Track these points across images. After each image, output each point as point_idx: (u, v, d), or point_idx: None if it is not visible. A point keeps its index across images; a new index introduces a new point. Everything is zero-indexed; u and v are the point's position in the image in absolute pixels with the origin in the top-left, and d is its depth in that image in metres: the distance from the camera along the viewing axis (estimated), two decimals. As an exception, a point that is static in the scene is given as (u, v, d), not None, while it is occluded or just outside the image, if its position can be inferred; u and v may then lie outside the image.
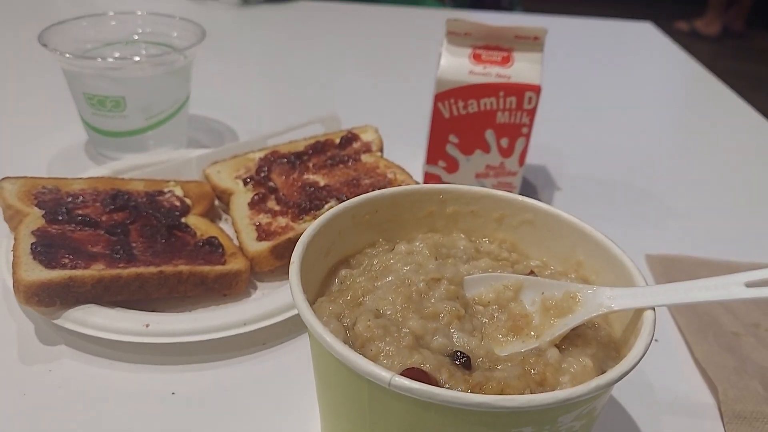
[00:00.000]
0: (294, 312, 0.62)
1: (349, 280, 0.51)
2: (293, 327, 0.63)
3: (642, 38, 1.64)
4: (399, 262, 0.51)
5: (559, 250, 0.54)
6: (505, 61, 0.79)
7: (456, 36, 0.80)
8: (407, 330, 0.45)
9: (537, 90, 0.77)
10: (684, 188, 0.97)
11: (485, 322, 0.48)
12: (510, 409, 0.36)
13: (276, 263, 0.68)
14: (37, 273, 0.58)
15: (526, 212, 0.55)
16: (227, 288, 0.65)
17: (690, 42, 4.84)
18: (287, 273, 0.68)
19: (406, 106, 1.12)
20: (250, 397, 0.56)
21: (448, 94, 0.79)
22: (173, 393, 0.56)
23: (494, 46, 0.80)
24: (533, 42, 0.80)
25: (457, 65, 0.79)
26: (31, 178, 0.71)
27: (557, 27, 1.64)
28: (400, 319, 0.46)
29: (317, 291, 0.51)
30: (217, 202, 0.79)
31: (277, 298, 0.63)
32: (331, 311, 0.46)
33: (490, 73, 0.78)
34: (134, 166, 0.80)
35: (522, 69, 0.78)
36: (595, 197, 0.91)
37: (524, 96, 0.78)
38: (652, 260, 0.77)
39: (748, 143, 1.14)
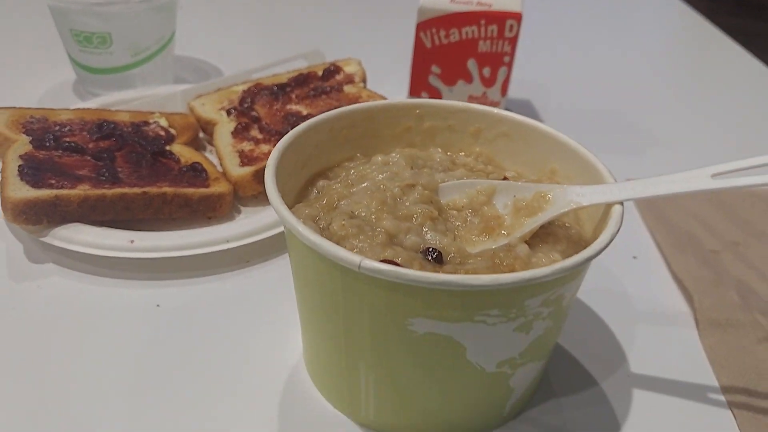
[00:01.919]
0: (277, 230, 0.64)
1: (326, 190, 0.52)
2: (276, 246, 0.64)
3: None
4: (375, 171, 0.52)
5: (534, 161, 0.55)
6: (487, -11, 0.79)
7: (438, -34, 0.81)
8: (381, 229, 0.46)
9: (518, 18, 0.78)
10: (668, 118, 0.98)
11: (458, 225, 0.49)
12: (475, 287, 0.38)
13: (259, 188, 0.69)
14: (24, 191, 0.59)
15: (502, 125, 0.56)
16: (211, 210, 0.67)
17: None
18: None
19: (389, 38, 1.13)
20: (234, 310, 0.58)
21: (429, 23, 0.79)
22: (158, 305, 0.58)
23: (476, -24, 0.80)
24: (515, -30, 0.80)
25: (439, -6, 0.79)
26: (20, 108, 0.72)
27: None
28: (374, 220, 0.47)
29: (294, 200, 0.52)
30: (201, 135, 0.80)
31: (260, 218, 0.64)
32: (307, 214, 0.47)
33: (472, 1, 0.79)
34: (121, 100, 0.81)
35: (503, -3, 0.79)
36: (578, 128, 0.90)
37: (505, 24, 0.78)
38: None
39: (733, 76, 1.15)
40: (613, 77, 1.11)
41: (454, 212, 0.50)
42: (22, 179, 0.61)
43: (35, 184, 0.60)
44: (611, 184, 0.47)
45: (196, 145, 0.78)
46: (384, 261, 0.42)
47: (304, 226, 0.41)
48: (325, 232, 0.46)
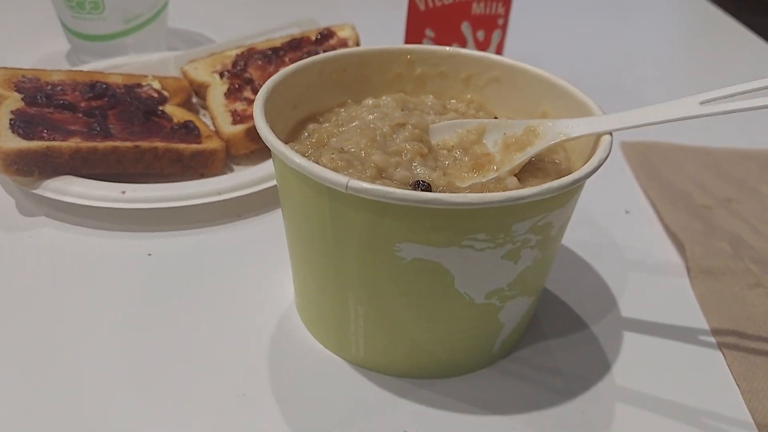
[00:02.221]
0: (269, 184, 0.63)
1: (316, 131, 0.52)
2: (268, 201, 0.64)
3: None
4: (365, 112, 0.52)
5: (526, 104, 0.55)
6: (479, -48, 0.79)
7: (430, -71, 0.81)
8: (371, 164, 0.46)
9: (511, -21, 0.78)
10: (663, 82, 0.99)
11: (448, 163, 0.49)
12: (462, 205, 0.38)
13: (252, 146, 0.69)
14: (16, 143, 0.59)
15: (493, 69, 0.56)
16: (204, 167, 0.66)
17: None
18: (263, 156, 0.70)
19: (383, 3, 1.13)
20: (225, 260, 0.58)
21: (423, -14, 0.79)
22: (149, 254, 0.57)
23: (468, -62, 0.80)
24: (507, -68, 0.80)
25: (432, -43, 0.79)
26: (12, 68, 0.72)
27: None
28: (363, 155, 0.47)
29: (285, 141, 0.51)
30: (195, 99, 0.80)
31: (252, 172, 0.64)
32: (296, 150, 0.47)
33: (465, -37, 0.78)
34: (114, 65, 0.81)
35: (496, -41, 0.79)
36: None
37: (498, -15, 0.78)
38: (628, 147, 0.78)
39: (724, 42, 1.16)
40: (610, 43, 1.11)
41: (444, 152, 0.50)
42: (13, 132, 0.61)
43: (27, 136, 0.60)
44: (600, 116, 0.47)
45: (189, 107, 0.78)
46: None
47: (291, 150, 0.41)
48: (314, 166, 0.46)
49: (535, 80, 0.54)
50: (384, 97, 0.55)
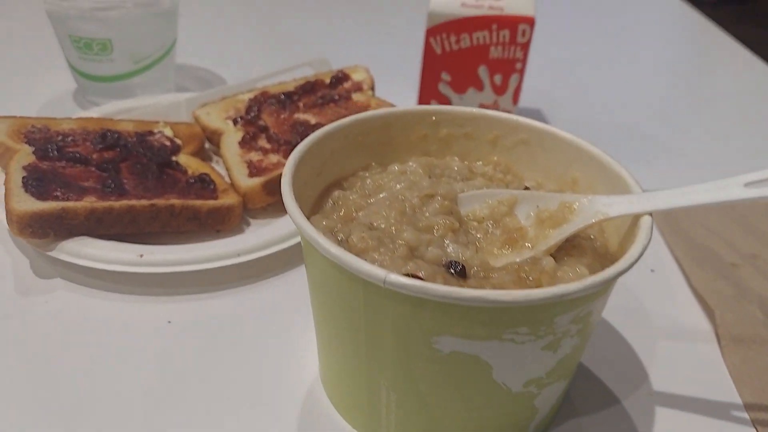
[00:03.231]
0: (288, 244, 0.62)
1: (342, 201, 0.51)
2: (287, 259, 0.63)
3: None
4: (392, 181, 0.51)
5: (555, 169, 0.54)
6: (498, -6, 0.78)
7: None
8: (401, 241, 0.44)
9: (531, 22, 0.76)
10: (680, 127, 0.96)
11: (479, 237, 0.48)
12: (506, 304, 0.36)
13: (268, 199, 0.68)
14: (30, 204, 0.58)
15: (520, 132, 0.55)
16: (220, 223, 0.65)
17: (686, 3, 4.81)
18: (280, 210, 0.69)
19: (396, 44, 1.12)
20: (246, 325, 0.56)
21: (440, 29, 0.78)
22: (169, 322, 0.56)
23: (486, -21, 0.79)
24: (525, -26, 0.78)
25: (449, -1, 0.78)
26: (21, 117, 0.71)
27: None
28: (393, 232, 0.45)
29: (310, 211, 0.50)
30: (207, 145, 0.78)
31: (271, 230, 0.63)
32: (324, 226, 0.46)
33: (483, 5, 0.77)
34: (123, 109, 0.80)
35: (515, 0, 0.77)
36: (590, 137, 0.90)
37: (518, 29, 0.77)
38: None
39: (744, 83, 1.14)
40: (625, 85, 1.10)
41: (475, 223, 0.49)
42: (26, 191, 0.59)
43: (40, 196, 0.59)
44: (639, 195, 0.45)
45: (203, 155, 0.76)
46: (407, 274, 0.40)
47: (324, 238, 0.39)
48: (343, 244, 0.45)
49: (565, 144, 0.53)
50: (410, 163, 0.53)
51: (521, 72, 0.80)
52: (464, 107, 0.56)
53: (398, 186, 0.50)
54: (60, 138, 0.69)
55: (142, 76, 0.84)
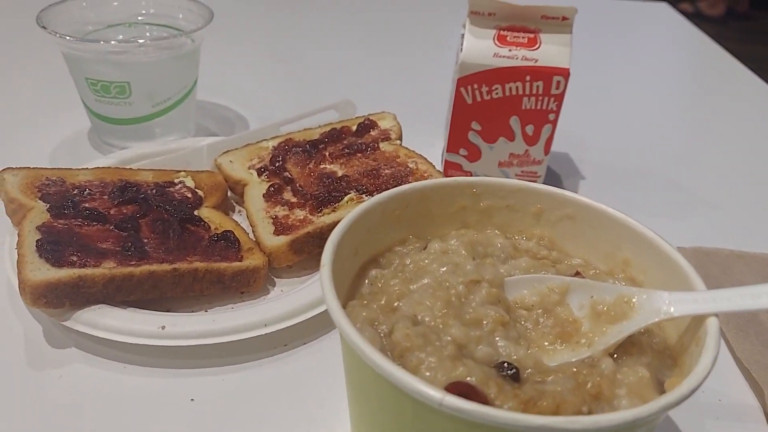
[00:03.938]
0: (316, 312, 0.59)
1: (381, 282, 0.48)
2: (315, 327, 0.60)
3: (658, 19, 1.60)
4: (434, 263, 0.48)
5: (603, 247, 0.51)
6: (532, 42, 0.75)
7: (479, 16, 0.76)
8: (449, 338, 0.41)
9: (566, 74, 0.74)
10: (712, 176, 0.93)
11: (530, 328, 0.45)
12: (573, 432, 0.33)
13: (295, 258, 0.65)
14: (44, 272, 0.54)
15: (566, 207, 0.52)
16: (245, 286, 0.62)
17: (694, 24, 4.78)
18: (306, 268, 0.66)
19: (421, 87, 1.08)
20: (273, 400, 0.53)
21: (471, 79, 0.75)
22: (192, 399, 0.53)
23: (520, 27, 0.76)
24: (561, 22, 0.76)
25: (481, 47, 0.75)
26: (34, 168, 0.67)
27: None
28: (440, 326, 0.42)
29: (347, 293, 0.47)
30: (229, 193, 0.75)
31: (298, 297, 0.59)
32: (364, 317, 0.43)
33: (516, 55, 0.74)
34: (142, 155, 0.77)
35: (550, 51, 0.74)
36: (621, 186, 0.87)
37: (552, 80, 0.74)
38: (686, 253, 0.74)
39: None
40: (651, 126, 1.07)
41: (524, 312, 0.46)
42: (41, 256, 0.56)
43: (56, 262, 0.56)
44: (703, 293, 0.42)
45: (225, 206, 0.73)
46: (459, 384, 0.38)
47: (372, 348, 0.36)
48: (386, 339, 0.42)
49: (614, 223, 0.50)
50: (452, 241, 0.50)
51: (554, 123, 0.77)
52: (507, 179, 0.53)
53: (441, 270, 0.47)
54: (76, 192, 0.66)
55: (161, 118, 0.82)
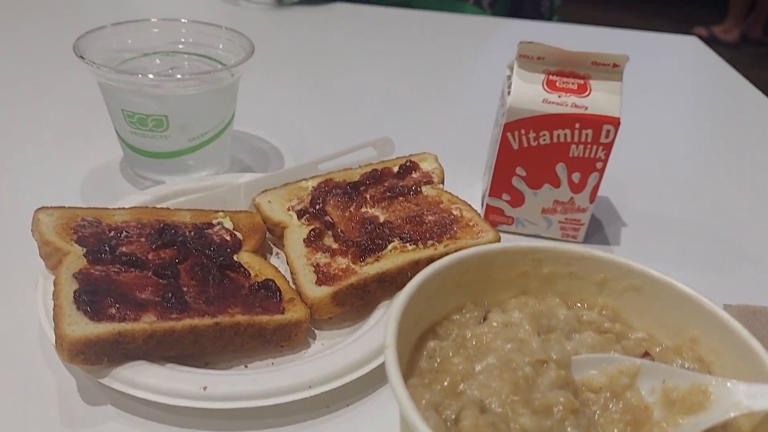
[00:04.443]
0: (362, 372, 0.56)
1: (440, 356, 0.46)
2: (359, 387, 0.57)
3: (689, 53, 1.57)
4: (497, 338, 0.46)
5: (670, 323, 0.49)
6: (582, 89, 0.73)
7: (528, 60, 0.74)
8: (518, 427, 0.39)
9: (616, 123, 0.71)
10: (760, 227, 0.89)
11: (598, 414, 0.43)
12: None
13: (337, 310, 0.62)
14: (83, 327, 0.52)
15: (632, 278, 0.50)
16: (285, 339, 0.60)
17: (727, 61, 4.76)
18: (347, 320, 0.64)
19: (461, 126, 1.05)
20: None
21: (518, 124, 0.73)
22: (234, 466, 0.51)
23: (569, 72, 0.74)
24: (612, 69, 0.74)
25: (530, 92, 0.73)
26: (69, 208, 0.65)
27: (599, 38, 1.58)
28: (509, 414, 0.40)
29: (405, 366, 0.45)
30: (267, 234, 0.73)
31: (343, 356, 0.57)
32: (428, 401, 0.41)
33: (566, 102, 0.72)
34: (178, 191, 0.75)
35: (600, 99, 0.72)
36: (664, 236, 0.85)
37: (602, 129, 0.72)
38: (732, 311, 0.71)
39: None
40: (693, 170, 1.03)
41: (591, 395, 0.44)
42: (79, 308, 0.54)
43: (94, 316, 0.53)
44: (789, 386, 0.40)
45: (264, 249, 0.71)
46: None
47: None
48: (453, 428, 0.39)
49: (683, 299, 0.48)
50: (514, 313, 0.48)
51: (601, 171, 0.75)
52: (570, 246, 0.51)
53: (506, 347, 0.45)
54: (113, 234, 0.64)
55: (197, 152, 0.79)
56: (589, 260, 0.51)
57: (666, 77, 1.41)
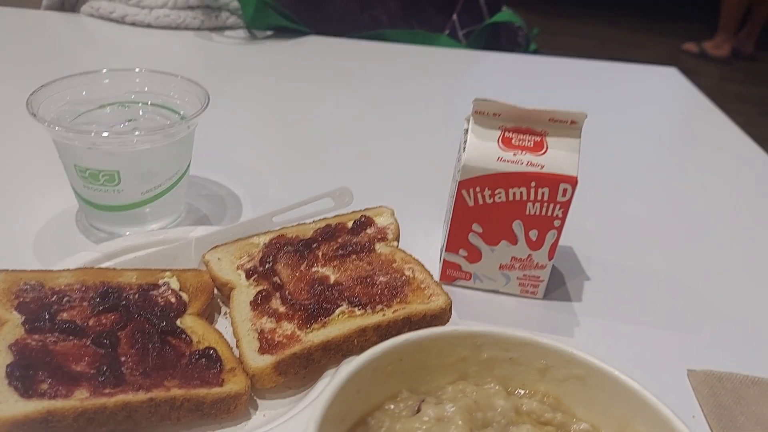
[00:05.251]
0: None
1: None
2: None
3: (666, 85, 1.56)
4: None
5: (614, 415, 0.48)
6: (538, 147, 0.72)
7: (484, 116, 0.73)
8: None
9: (573, 182, 0.70)
10: (728, 282, 0.87)
11: None
12: None
13: (279, 380, 0.61)
14: (11, 405, 0.51)
15: (575, 367, 0.49)
16: (225, 412, 0.58)
17: (698, 64, 4.78)
18: (290, 387, 0.62)
19: (421, 177, 1.02)
20: None
21: (473, 182, 0.72)
22: None
23: (526, 129, 0.73)
24: (569, 126, 0.73)
25: (485, 150, 0.72)
26: (13, 272, 0.64)
27: (576, 70, 1.58)
28: None
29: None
30: (215, 291, 0.72)
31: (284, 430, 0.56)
32: None
33: (521, 160, 0.71)
34: (128, 247, 0.73)
35: (557, 157, 0.71)
36: (627, 290, 0.83)
37: (558, 188, 0.71)
38: (696, 378, 0.70)
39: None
40: (663, 218, 1.01)
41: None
42: (10, 384, 0.53)
43: (25, 393, 0.52)
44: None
45: (211, 307, 0.70)
46: None
47: None
48: None
49: (628, 393, 0.47)
50: (448, 406, 0.47)
51: (559, 229, 0.74)
52: (512, 331, 0.50)
53: (437, 443, 0.44)
54: (54, 299, 0.63)
55: (152, 204, 0.78)
56: (530, 346, 0.49)
57: (642, 113, 1.40)
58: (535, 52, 1.69)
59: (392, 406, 0.48)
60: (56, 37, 1.50)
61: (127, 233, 0.78)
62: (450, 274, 0.79)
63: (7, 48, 1.38)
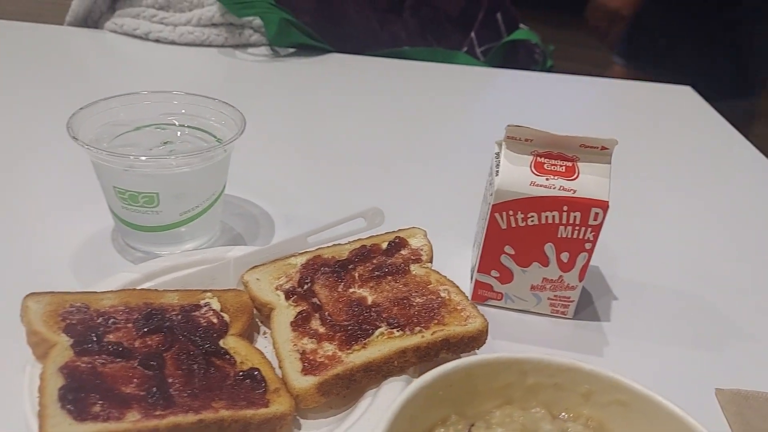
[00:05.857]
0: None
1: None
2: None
3: (684, 105, 1.56)
4: (480, 458, 0.46)
5: (657, 438, 0.49)
6: (570, 172, 0.73)
7: (516, 141, 0.75)
8: None
9: (605, 206, 0.72)
10: (755, 302, 0.87)
11: None
12: None
13: (322, 400, 0.63)
14: (65, 428, 0.52)
15: (618, 392, 0.50)
16: (270, 432, 0.60)
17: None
18: (330, 408, 0.64)
19: (452, 197, 1.04)
20: None
21: (506, 206, 0.73)
22: None
23: (557, 154, 0.75)
24: (600, 152, 0.74)
25: (517, 175, 0.73)
26: (58, 294, 0.66)
27: (590, 87, 1.59)
28: None
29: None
30: (255, 311, 0.73)
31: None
32: None
33: (554, 185, 0.72)
34: (166, 268, 0.75)
35: (588, 182, 0.73)
36: (656, 311, 0.84)
37: (590, 212, 0.72)
38: (724, 397, 0.71)
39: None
40: (690, 238, 1.02)
41: None
42: (63, 407, 0.54)
43: (78, 415, 0.54)
44: None
45: (252, 328, 0.71)
46: None
47: None
48: None
49: (671, 418, 0.48)
50: (498, 430, 0.48)
51: (590, 251, 0.75)
52: (556, 358, 0.51)
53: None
54: (100, 320, 0.64)
55: (189, 225, 0.80)
56: (574, 372, 0.51)
57: (658, 132, 1.41)
58: (552, 67, 1.71)
59: (443, 430, 0.49)
60: (80, 54, 1.52)
61: (164, 253, 0.80)
62: (482, 294, 0.80)
63: (32, 64, 1.40)
